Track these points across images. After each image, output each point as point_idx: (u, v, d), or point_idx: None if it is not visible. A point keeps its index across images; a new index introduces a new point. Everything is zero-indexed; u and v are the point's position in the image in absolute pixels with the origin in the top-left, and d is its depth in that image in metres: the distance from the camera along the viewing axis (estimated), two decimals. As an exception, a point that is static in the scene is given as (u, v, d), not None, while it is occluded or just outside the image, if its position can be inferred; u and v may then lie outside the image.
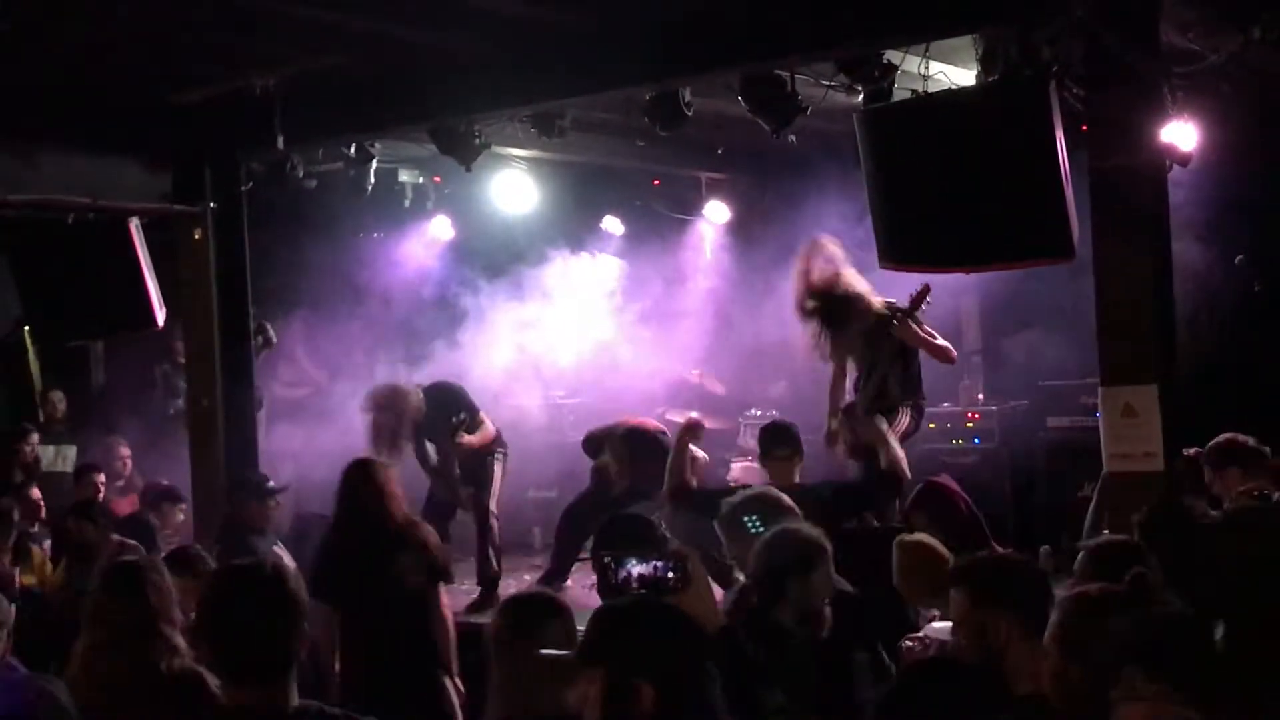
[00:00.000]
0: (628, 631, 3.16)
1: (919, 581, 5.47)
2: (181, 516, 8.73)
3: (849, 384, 8.36)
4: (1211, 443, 6.69)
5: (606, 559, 3.54)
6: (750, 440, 11.14)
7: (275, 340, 10.19)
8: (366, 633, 6.33)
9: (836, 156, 8.71)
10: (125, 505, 9.59)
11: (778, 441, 7.12)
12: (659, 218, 12.18)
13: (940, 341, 8.16)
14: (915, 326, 7.98)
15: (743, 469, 10.96)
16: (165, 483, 8.99)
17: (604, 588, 3.52)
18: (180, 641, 4.27)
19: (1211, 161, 7.50)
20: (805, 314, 8.10)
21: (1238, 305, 8.75)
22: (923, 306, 7.98)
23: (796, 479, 6.95)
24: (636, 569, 3.47)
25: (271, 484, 8.42)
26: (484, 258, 11.68)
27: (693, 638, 3.20)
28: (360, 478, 6.57)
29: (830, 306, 8.01)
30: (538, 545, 10.67)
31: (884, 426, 7.88)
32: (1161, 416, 5.99)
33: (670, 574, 3.46)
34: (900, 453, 7.13)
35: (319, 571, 6.36)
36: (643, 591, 3.47)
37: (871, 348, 8.11)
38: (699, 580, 3.49)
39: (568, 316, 10.79)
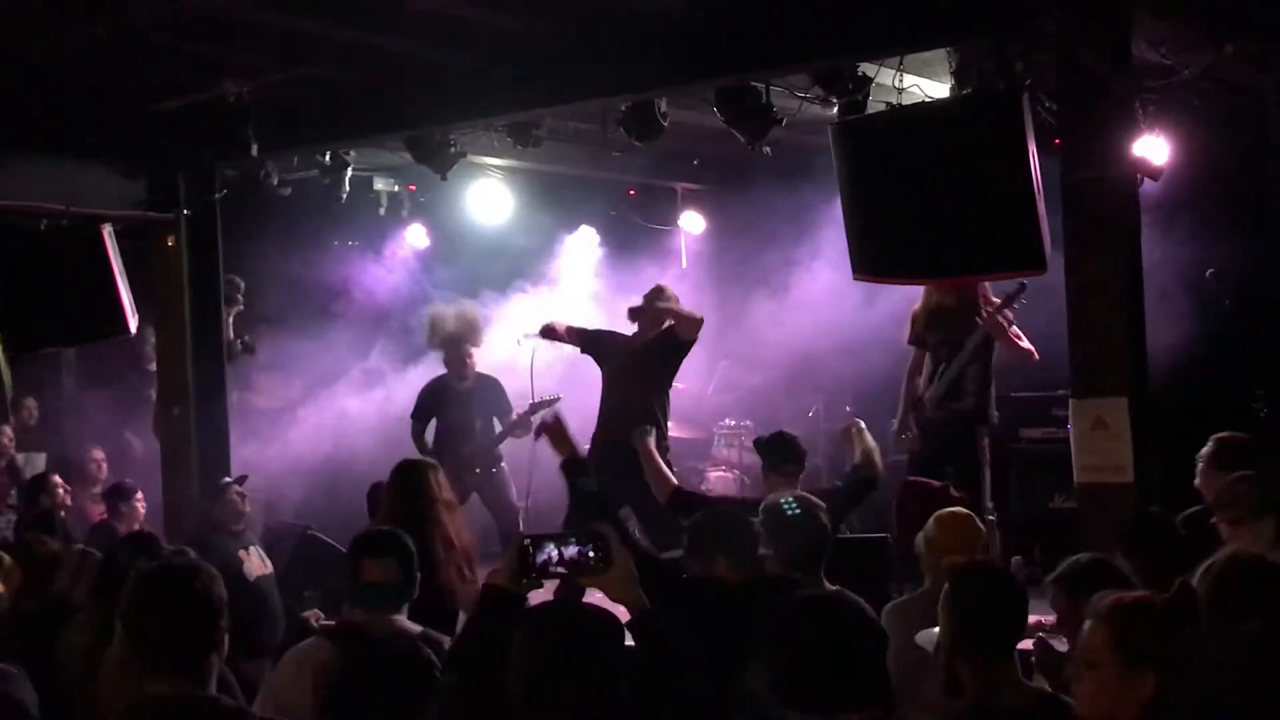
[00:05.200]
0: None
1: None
2: (141, 508, 8.64)
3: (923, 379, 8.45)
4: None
5: (525, 541, 3.47)
6: (724, 449, 11.17)
7: (256, 348, 10.20)
8: None
9: (811, 168, 8.73)
10: (99, 513, 9.52)
11: (787, 458, 6.70)
12: (634, 228, 12.18)
13: (1025, 344, 8.20)
14: (1005, 323, 8.04)
15: (718, 478, 10.99)
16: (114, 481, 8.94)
17: (522, 571, 3.45)
18: None
19: (1183, 176, 7.55)
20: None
21: (1208, 319, 8.79)
22: (1016, 305, 8.05)
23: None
24: (556, 551, 3.44)
25: (227, 479, 8.38)
26: (459, 266, 11.67)
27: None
28: (411, 479, 6.44)
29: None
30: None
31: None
32: (1131, 429, 6.02)
33: (591, 554, 3.43)
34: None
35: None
36: (563, 573, 3.44)
37: (957, 338, 8.15)
38: (621, 560, 3.46)
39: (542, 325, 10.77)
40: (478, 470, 9.56)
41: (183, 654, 3.33)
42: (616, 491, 7.28)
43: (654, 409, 8.41)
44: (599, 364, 8.83)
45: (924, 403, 8.28)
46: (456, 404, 9.71)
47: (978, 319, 8.06)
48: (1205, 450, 6.46)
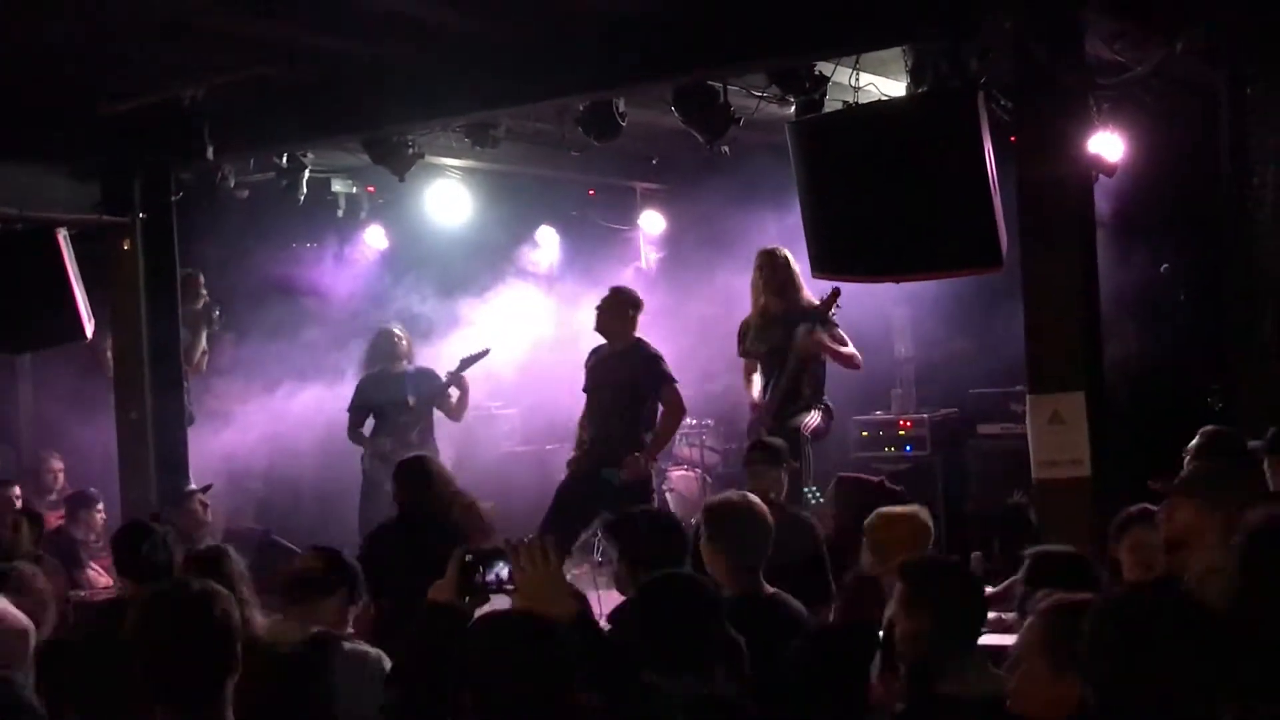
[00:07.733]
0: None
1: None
2: (101, 517, 8.58)
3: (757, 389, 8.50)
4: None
5: (466, 558, 3.45)
6: (686, 448, 11.19)
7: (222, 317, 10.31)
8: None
9: (769, 167, 8.76)
10: (56, 519, 9.44)
11: (751, 454, 7.05)
12: (594, 228, 12.19)
13: (848, 350, 8.27)
14: (824, 335, 8.09)
15: (680, 477, 11.01)
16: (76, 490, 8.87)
17: (465, 588, 3.44)
18: None
19: (1136, 172, 7.62)
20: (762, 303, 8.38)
21: (1163, 314, 8.87)
22: (833, 311, 8.11)
23: (772, 495, 6.55)
24: (507, 570, 3.41)
25: (192, 487, 8.32)
26: (418, 267, 11.63)
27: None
28: (418, 471, 6.46)
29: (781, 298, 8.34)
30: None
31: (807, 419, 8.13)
32: (1088, 424, 6.06)
33: None
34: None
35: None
36: (511, 590, 3.42)
37: (785, 345, 8.21)
38: (553, 566, 3.47)
39: (502, 326, 10.76)
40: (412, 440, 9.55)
41: (198, 687, 3.18)
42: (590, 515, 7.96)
43: (638, 437, 8.46)
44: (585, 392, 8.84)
45: (763, 411, 8.35)
46: (391, 386, 9.70)
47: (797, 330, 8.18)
48: (1194, 443, 6.53)
